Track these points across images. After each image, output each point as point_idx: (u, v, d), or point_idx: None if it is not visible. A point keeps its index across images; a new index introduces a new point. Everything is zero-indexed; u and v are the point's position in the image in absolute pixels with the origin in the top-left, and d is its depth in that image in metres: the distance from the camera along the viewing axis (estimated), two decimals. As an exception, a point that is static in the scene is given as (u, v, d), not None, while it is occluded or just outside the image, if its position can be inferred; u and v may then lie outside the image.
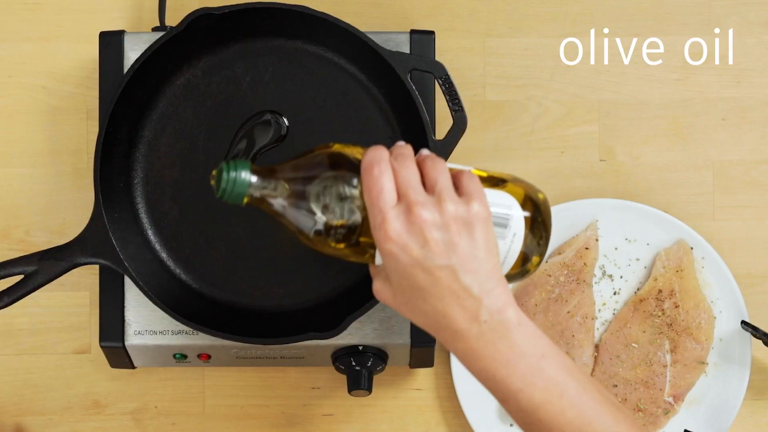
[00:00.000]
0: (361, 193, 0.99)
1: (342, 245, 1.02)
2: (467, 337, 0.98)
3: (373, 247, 1.01)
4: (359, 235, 1.01)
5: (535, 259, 1.04)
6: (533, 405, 0.98)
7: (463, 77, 1.33)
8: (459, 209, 0.97)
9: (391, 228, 0.96)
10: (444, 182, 0.98)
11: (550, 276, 1.30)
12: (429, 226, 0.96)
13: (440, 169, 0.99)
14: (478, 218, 0.98)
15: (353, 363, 1.22)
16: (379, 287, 1.02)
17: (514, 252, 1.03)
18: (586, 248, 1.29)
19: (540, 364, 0.98)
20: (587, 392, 0.99)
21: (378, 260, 1.01)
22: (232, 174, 1.01)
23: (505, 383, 0.98)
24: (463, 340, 0.98)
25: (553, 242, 1.31)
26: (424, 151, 1.02)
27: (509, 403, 0.99)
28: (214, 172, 1.03)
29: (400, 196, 0.98)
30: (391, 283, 1.00)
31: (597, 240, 1.30)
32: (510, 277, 1.04)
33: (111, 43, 1.22)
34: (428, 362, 1.26)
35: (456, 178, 1.00)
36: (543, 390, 0.98)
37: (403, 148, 1.01)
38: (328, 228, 1.01)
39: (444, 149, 1.17)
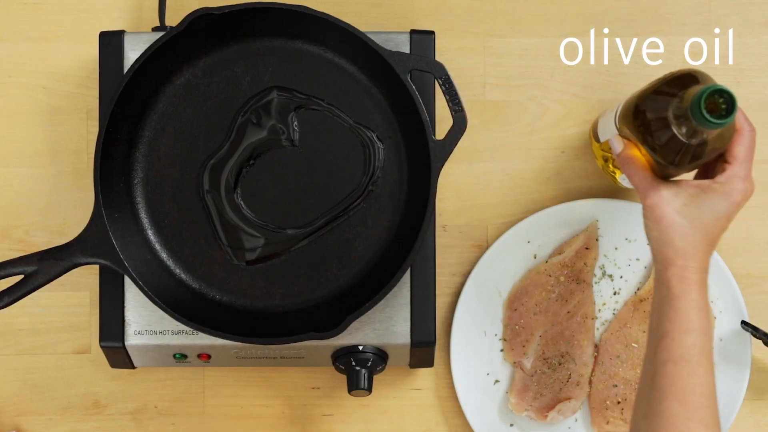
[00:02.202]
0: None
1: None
2: (705, 265, 1.12)
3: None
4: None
5: None
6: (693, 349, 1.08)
7: (463, 77, 1.33)
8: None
9: (750, 181, 1.11)
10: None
11: (550, 276, 1.30)
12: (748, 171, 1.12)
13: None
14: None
15: (353, 363, 1.22)
16: (668, 198, 1.11)
17: None
18: (587, 248, 1.29)
19: (707, 333, 1.09)
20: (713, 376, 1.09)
21: (719, 185, 1.10)
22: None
23: (702, 314, 1.09)
24: (680, 267, 1.10)
25: (553, 242, 1.31)
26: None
27: (675, 339, 1.08)
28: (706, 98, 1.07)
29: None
30: (709, 206, 1.10)
31: (597, 240, 1.30)
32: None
33: (111, 43, 1.22)
34: (428, 362, 1.26)
35: None
36: (697, 348, 1.08)
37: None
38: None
39: (444, 149, 1.17)
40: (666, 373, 1.07)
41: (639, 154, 1.13)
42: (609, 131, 1.20)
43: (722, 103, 1.06)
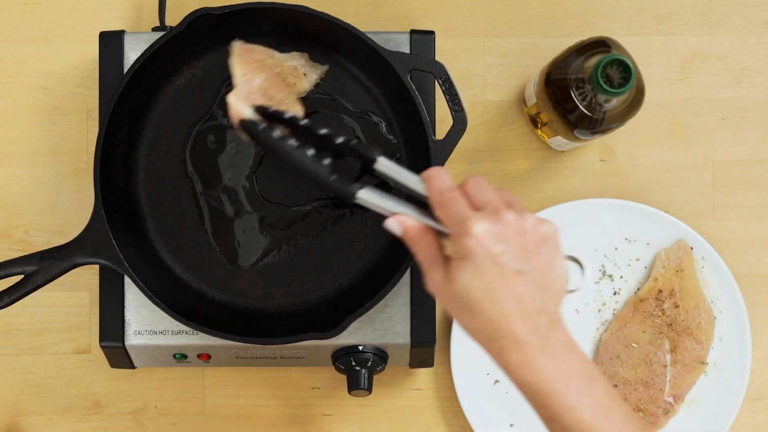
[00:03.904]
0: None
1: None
2: (527, 349, 0.98)
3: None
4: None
5: None
6: (581, 424, 0.98)
7: (463, 77, 1.33)
8: (537, 224, 1.00)
9: (476, 224, 0.98)
10: (519, 204, 1.02)
11: (271, 57, 1.19)
12: (514, 229, 0.99)
13: (515, 197, 1.03)
14: (552, 238, 1.01)
15: (353, 363, 1.22)
16: (438, 281, 1.01)
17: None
18: (304, 74, 1.16)
19: (590, 385, 0.99)
20: (629, 421, 1.00)
21: (455, 254, 1.01)
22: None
23: (557, 399, 0.98)
24: (523, 352, 0.98)
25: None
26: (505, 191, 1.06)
27: (556, 421, 0.99)
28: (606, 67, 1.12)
29: (483, 205, 1.00)
30: (458, 282, 1.00)
31: (315, 79, 1.15)
32: None
33: (111, 43, 1.22)
34: (428, 362, 1.26)
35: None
36: (592, 410, 0.98)
37: (477, 177, 1.04)
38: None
39: (444, 149, 1.17)
40: None
41: (417, 234, 1.04)
42: (529, 99, 1.27)
43: (620, 73, 1.12)
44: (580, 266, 1.05)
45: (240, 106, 1.13)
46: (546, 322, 0.98)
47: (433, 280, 1.01)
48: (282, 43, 1.22)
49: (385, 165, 1.06)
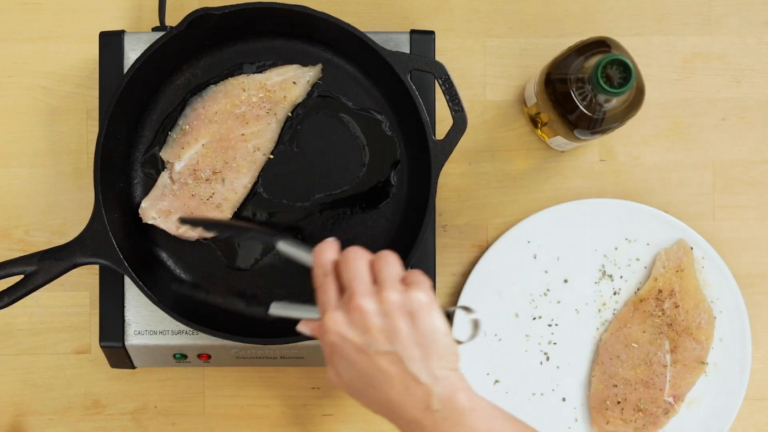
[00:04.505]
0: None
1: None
2: (422, 427, 0.98)
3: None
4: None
5: None
6: None
7: (463, 77, 1.33)
8: (400, 297, 0.98)
9: (330, 318, 0.98)
10: (387, 273, 0.99)
11: (244, 91, 1.22)
12: (369, 313, 0.97)
13: (387, 261, 1.00)
14: (421, 305, 0.98)
15: (353, 363, 1.22)
16: (332, 375, 1.02)
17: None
18: (294, 82, 1.20)
19: None
20: None
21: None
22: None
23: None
24: (419, 429, 0.98)
25: (553, 242, 1.31)
26: (385, 251, 1.03)
27: None
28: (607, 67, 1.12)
29: (344, 289, 0.99)
30: (340, 375, 1.01)
31: (309, 81, 1.21)
32: None
33: (111, 43, 1.22)
34: (428, 362, 1.26)
35: (406, 273, 1.01)
36: None
37: (354, 249, 1.02)
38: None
39: (444, 149, 1.17)
40: None
41: (319, 332, 1.05)
42: (529, 99, 1.28)
43: (620, 74, 1.12)
44: (470, 314, 1.02)
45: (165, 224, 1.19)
46: (438, 392, 0.97)
47: (329, 374, 1.02)
48: (281, 43, 1.22)
49: (283, 248, 1.08)
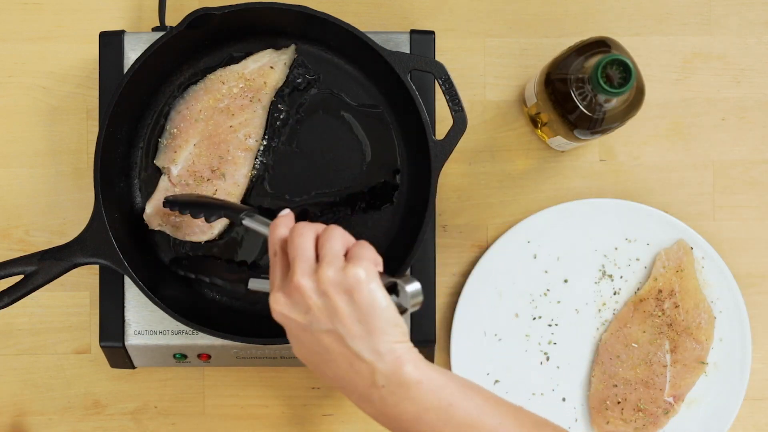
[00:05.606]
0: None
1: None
2: (372, 402, 0.98)
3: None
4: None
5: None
6: None
7: (463, 77, 1.33)
8: (338, 274, 0.97)
9: (273, 298, 0.99)
10: (329, 248, 0.99)
11: (223, 84, 1.22)
12: (308, 292, 0.97)
13: (330, 236, 0.99)
14: (358, 281, 0.97)
15: (353, 363, 1.22)
16: (293, 351, 1.03)
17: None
18: (271, 67, 1.20)
19: (448, 412, 0.97)
20: (504, 426, 0.98)
21: None
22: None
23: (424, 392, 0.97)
24: (369, 404, 0.98)
25: (553, 242, 1.31)
26: (331, 225, 1.02)
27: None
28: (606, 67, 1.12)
29: (291, 263, 0.99)
30: (295, 351, 1.02)
31: (286, 64, 1.21)
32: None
33: (111, 43, 1.22)
34: (428, 362, 1.26)
35: (351, 246, 1.00)
36: None
37: (301, 224, 1.01)
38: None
39: (444, 149, 1.17)
40: None
41: None
42: (529, 99, 1.27)
43: (620, 74, 1.12)
44: (412, 283, 1.00)
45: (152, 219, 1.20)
46: (381, 368, 0.96)
47: (293, 350, 1.03)
48: (281, 43, 1.22)
49: (248, 224, 1.11)
